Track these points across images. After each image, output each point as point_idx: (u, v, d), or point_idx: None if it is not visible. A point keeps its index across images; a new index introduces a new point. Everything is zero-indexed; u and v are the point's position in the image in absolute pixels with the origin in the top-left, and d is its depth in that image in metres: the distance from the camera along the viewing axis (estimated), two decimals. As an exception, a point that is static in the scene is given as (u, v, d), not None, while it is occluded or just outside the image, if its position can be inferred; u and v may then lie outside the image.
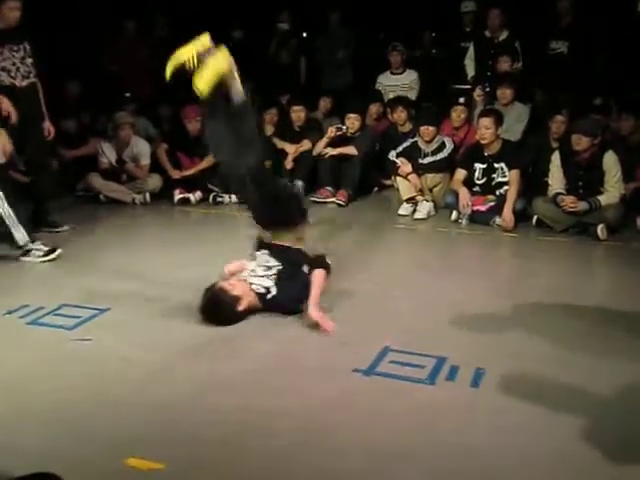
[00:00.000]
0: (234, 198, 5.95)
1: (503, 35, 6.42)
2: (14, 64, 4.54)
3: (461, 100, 6.05)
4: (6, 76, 4.48)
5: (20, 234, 4.13)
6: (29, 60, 4.63)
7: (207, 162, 6.11)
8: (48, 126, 4.84)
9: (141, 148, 6.07)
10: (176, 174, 6.07)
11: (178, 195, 5.89)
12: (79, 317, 3.31)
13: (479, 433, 2.34)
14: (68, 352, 2.96)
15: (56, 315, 3.35)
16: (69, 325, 3.23)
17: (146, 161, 6.07)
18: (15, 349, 3.00)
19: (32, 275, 4.06)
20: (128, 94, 6.97)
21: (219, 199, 5.97)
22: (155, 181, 6.04)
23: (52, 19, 6.57)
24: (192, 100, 6.34)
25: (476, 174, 5.30)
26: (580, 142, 4.83)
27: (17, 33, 4.55)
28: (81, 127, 6.59)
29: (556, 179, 4.99)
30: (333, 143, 6.18)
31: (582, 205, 4.83)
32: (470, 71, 6.61)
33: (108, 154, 6.03)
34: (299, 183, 6.18)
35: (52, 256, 4.20)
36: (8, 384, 2.67)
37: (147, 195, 5.95)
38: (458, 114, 6.01)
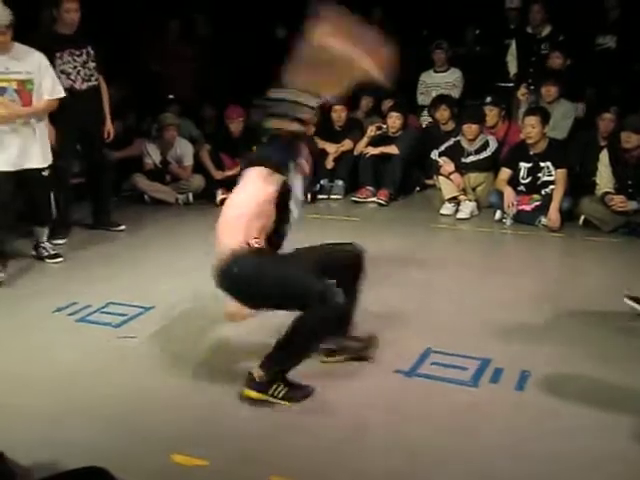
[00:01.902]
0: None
1: (546, 31, 6.25)
2: (75, 67, 4.65)
3: (488, 99, 5.94)
4: (65, 79, 4.57)
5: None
6: (92, 64, 4.74)
7: (249, 162, 6.18)
8: (109, 128, 4.97)
9: (185, 149, 6.16)
10: (218, 175, 6.14)
11: (220, 195, 5.93)
12: (125, 315, 3.38)
13: (524, 436, 2.30)
14: (115, 349, 3.03)
15: (103, 313, 3.43)
16: (116, 323, 3.30)
17: (189, 162, 6.16)
18: (64, 346, 3.08)
19: (79, 273, 4.16)
20: (171, 96, 7.07)
21: (261, 199, 6.00)
22: (198, 182, 6.12)
23: (98, 21, 6.71)
24: (234, 101, 6.48)
25: (521, 173, 5.20)
26: (630, 140, 4.70)
27: (80, 37, 4.68)
28: (126, 128, 6.73)
29: (604, 178, 4.87)
30: (374, 142, 6.16)
31: (632, 205, 4.70)
32: (512, 68, 6.47)
33: (153, 155, 6.14)
34: (340, 183, 6.18)
35: (55, 260, 4.33)
36: (58, 380, 2.75)
37: (190, 195, 6.04)
38: (487, 113, 5.90)
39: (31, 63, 4.06)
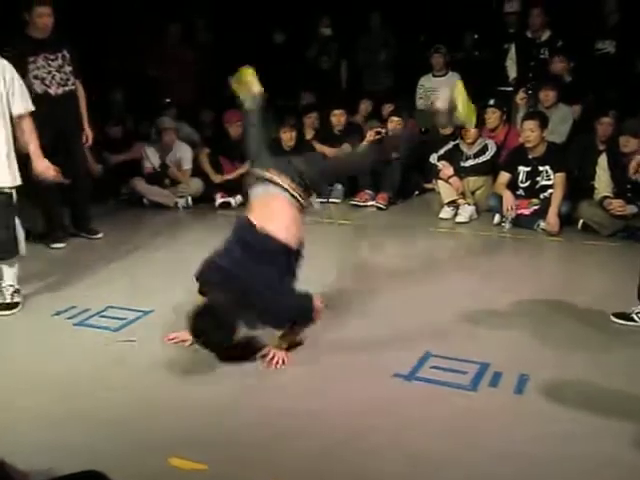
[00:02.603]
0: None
1: (545, 35, 6.28)
2: (49, 72, 4.52)
3: (491, 102, 5.95)
4: (39, 84, 4.45)
5: None
6: (68, 68, 4.61)
7: (248, 166, 6.21)
8: (87, 133, 4.85)
9: (183, 153, 6.17)
10: (218, 178, 6.14)
11: (219, 199, 5.96)
12: (124, 319, 3.38)
13: (523, 440, 2.30)
14: (114, 353, 3.03)
15: (102, 316, 3.42)
16: (115, 326, 3.30)
17: (188, 165, 6.17)
18: (63, 349, 3.08)
19: (79, 277, 4.15)
20: (168, 100, 7.08)
21: (260, 203, 6.02)
22: (197, 185, 6.12)
23: (97, 25, 6.73)
24: (234, 105, 6.49)
25: (520, 177, 5.21)
26: (628, 144, 4.71)
27: (55, 41, 4.55)
28: (126, 132, 6.74)
29: (603, 182, 4.87)
30: (373, 146, 6.16)
31: (630, 209, 4.71)
32: (512, 73, 6.50)
33: (152, 159, 6.14)
34: (339, 186, 6.19)
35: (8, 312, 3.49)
36: (56, 384, 2.74)
37: (189, 199, 6.04)
38: (489, 116, 5.92)
39: None
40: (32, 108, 3.56)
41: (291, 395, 2.62)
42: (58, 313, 3.46)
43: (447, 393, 2.62)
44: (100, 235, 5.02)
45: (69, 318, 3.41)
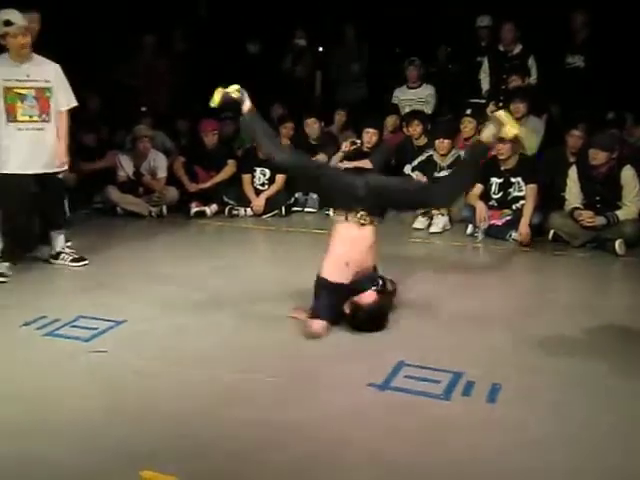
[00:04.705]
0: (249, 211, 6.01)
1: (517, 49, 6.43)
2: None
3: (468, 112, 6.03)
4: None
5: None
6: None
7: (223, 175, 6.21)
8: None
9: (158, 161, 6.13)
10: (193, 187, 6.12)
11: (194, 208, 5.94)
12: (95, 329, 3.33)
13: (494, 449, 2.31)
14: (84, 364, 2.98)
15: (73, 327, 3.37)
16: (85, 337, 3.25)
17: (163, 174, 6.13)
18: (32, 361, 3.02)
19: (49, 286, 4.09)
20: (144, 108, 7.04)
21: (234, 212, 6.02)
22: (172, 194, 6.09)
23: (72, 34, 6.68)
24: (209, 114, 6.49)
25: (492, 188, 5.28)
26: (597, 157, 4.80)
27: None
28: (100, 141, 6.68)
29: (573, 194, 4.96)
30: (349, 157, 6.19)
31: (599, 220, 4.79)
32: (485, 85, 6.62)
33: (126, 167, 6.09)
34: (314, 197, 6.20)
35: (81, 264, 4.40)
36: (24, 396, 2.69)
37: (164, 208, 6.00)
38: (465, 125, 6.00)
39: (49, 72, 4.22)
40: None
41: (262, 406, 2.60)
42: (27, 323, 3.40)
43: (421, 402, 2.63)
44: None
45: (38, 328, 3.35)
